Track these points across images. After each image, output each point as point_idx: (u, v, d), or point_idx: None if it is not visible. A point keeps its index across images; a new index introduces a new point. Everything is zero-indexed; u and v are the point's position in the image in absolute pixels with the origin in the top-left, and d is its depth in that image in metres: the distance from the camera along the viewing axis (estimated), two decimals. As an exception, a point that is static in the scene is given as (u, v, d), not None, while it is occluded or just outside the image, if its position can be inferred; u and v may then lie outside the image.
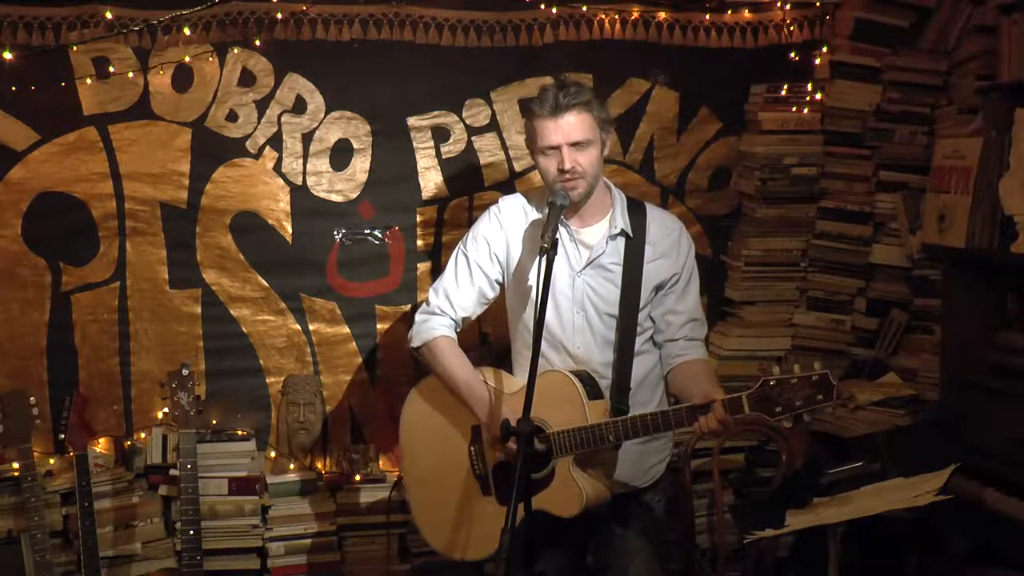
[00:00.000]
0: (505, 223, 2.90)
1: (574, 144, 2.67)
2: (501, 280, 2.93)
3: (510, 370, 2.95)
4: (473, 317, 2.96)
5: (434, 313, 2.90)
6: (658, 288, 2.82)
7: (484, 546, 2.80)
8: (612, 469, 2.78)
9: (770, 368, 2.57)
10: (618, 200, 2.84)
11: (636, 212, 2.84)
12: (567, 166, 2.66)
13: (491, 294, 2.93)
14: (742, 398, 2.46)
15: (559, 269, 2.74)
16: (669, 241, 2.84)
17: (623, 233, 2.79)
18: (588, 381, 2.72)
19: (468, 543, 2.85)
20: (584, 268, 2.79)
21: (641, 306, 2.79)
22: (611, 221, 2.81)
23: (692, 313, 2.85)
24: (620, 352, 2.78)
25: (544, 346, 2.73)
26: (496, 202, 2.96)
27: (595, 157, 2.72)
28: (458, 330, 2.93)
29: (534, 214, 2.88)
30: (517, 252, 2.88)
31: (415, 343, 2.91)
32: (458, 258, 2.92)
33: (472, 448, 2.86)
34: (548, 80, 3.57)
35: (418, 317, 2.93)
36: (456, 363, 2.85)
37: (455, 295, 2.89)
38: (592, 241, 2.80)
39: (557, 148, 2.68)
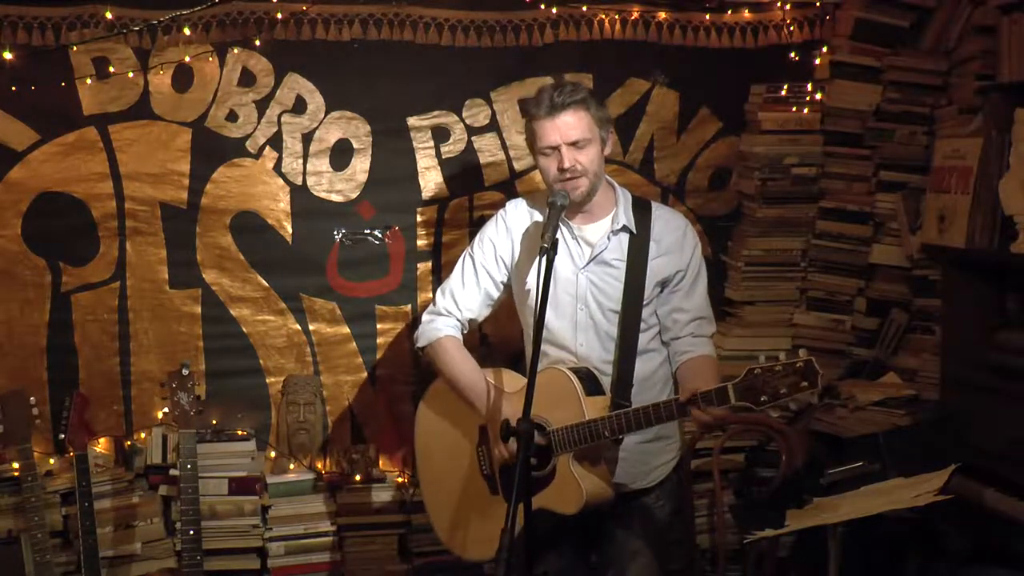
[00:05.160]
0: (511, 226, 2.91)
1: (572, 143, 2.68)
2: (507, 282, 2.94)
3: (524, 371, 2.95)
4: (480, 318, 2.97)
5: (440, 314, 2.92)
6: (663, 285, 2.82)
7: (494, 545, 2.80)
8: (613, 467, 2.78)
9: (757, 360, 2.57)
10: (622, 198, 2.85)
11: (641, 210, 2.85)
12: (566, 165, 2.67)
13: (497, 295, 2.95)
14: (728, 388, 2.47)
15: (562, 266, 2.76)
16: (674, 238, 2.83)
17: (626, 229, 2.80)
18: (588, 377, 2.73)
19: (478, 542, 2.87)
20: (587, 264, 2.79)
21: (645, 302, 2.79)
22: (614, 218, 2.81)
23: (698, 311, 2.84)
24: (622, 348, 2.78)
25: (546, 345, 2.74)
26: (503, 205, 2.98)
27: (595, 155, 2.72)
28: (464, 331, 2.94)
29: (539, 216, 2.89)
30: (523, 255, 2.89)
31: (421, 343, 2.94)
32: (465, 260, 2.95)
33: (480, 448, 2.88)
34: (548, 80, 3.59)
35: (424, 317, 2.96)
36: (460, 363, 2.87)
37: (461, 296, 2.91)
38: (594, 238, 2.80)
39: (556, 148, 2.69)
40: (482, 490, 2.87)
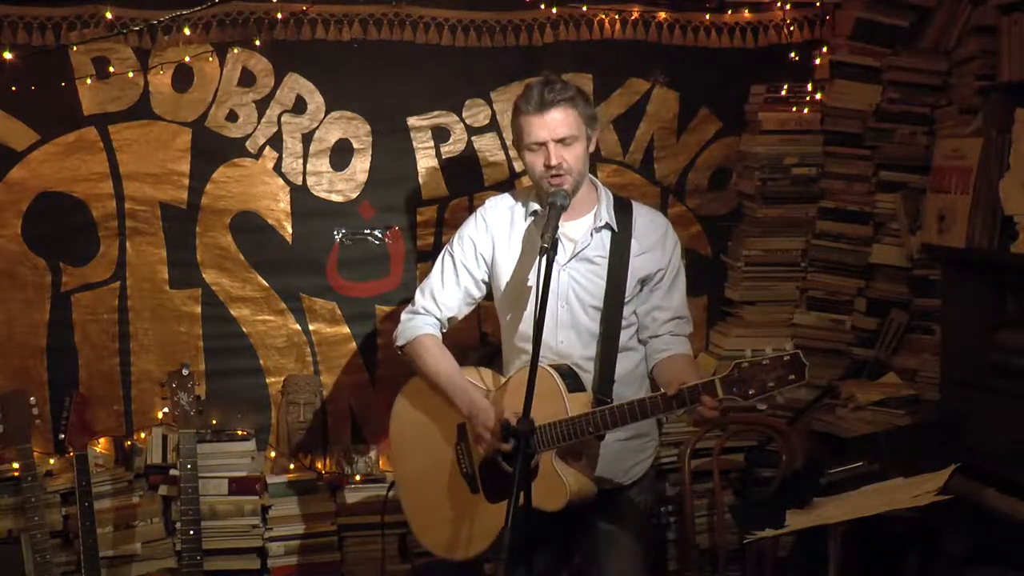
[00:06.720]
0: (491, 223, 2.91)
1: (560, 140, 2.69)
2: (487, 280, 2.94)
3: (500, 369, 2.96)
4: (460, 317, 2.96)
5: (419, 312, 2.92)
6: (643, 283, 2.83)
7: (475, 545, 2.81)
8: (595, 463, 2.78)
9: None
10: (604, 196, 2.86)
11: (622, 208, 2.86)
12: (553, 161, 2.68)
13: (477, 294, 2.95)
14: (715, 381, 2.47)
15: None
16: (655, 236, 2.86)
17: (608, 226, 2.81)
18: (568, 374, 2.72)
19: (459, 542, 2.84)
20: (568, 261, 2.79)
21: (626, 300, 2.80)
22: (596, 215, 2.82)
23: (677, 311, 2.87)
24: (604, 345, 2.79)
25: (525, 342, 2.77)
26: (483, 203, 2.97)
27: (580, 153, 2.73)
28: (444, 330, 2.93)
29: (520, 214, 2.89)
30: (503, 252, 2.88)
31: (400, 342, 2.93)
32: (444, 259, 2.94)
33: (459, 447, 2.86)
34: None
35: (403, 316, 2.95)
36: (440, 360, 2.85)
37: (440, 295, 2.91)
38: (576, 235, 2.81)
39: (543, 144, 2.69)
40: (462, 489, 2.85)
